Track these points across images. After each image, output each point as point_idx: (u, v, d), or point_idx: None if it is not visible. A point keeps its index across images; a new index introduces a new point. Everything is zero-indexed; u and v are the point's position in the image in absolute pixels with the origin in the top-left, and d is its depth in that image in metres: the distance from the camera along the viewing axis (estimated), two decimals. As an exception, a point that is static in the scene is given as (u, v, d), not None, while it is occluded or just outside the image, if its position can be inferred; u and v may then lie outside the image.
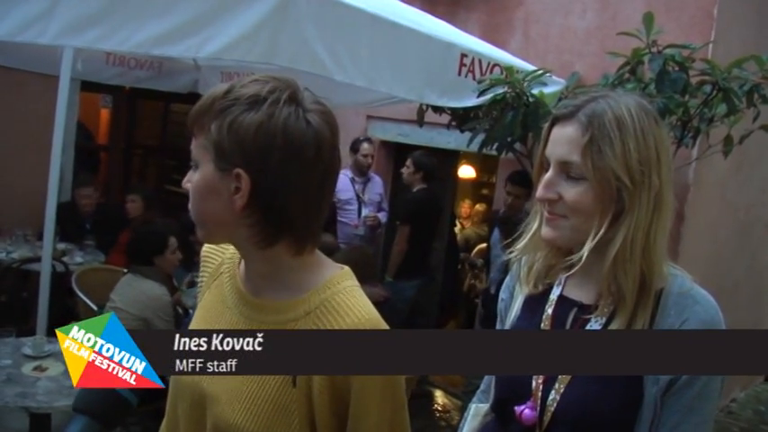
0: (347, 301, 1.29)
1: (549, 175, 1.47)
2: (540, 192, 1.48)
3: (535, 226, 1.56)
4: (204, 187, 1.27)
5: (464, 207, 8.90)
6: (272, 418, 1.27)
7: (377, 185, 6.47)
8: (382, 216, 6.46)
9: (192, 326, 1.47)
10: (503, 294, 1.72)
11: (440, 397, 6.31)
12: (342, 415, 1.28)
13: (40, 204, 3.92)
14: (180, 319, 4.47)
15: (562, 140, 1.46)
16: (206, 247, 1.54)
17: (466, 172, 8.41)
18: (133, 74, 6.25)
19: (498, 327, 1.71)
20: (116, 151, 8.36)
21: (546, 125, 1.53)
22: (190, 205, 1.31)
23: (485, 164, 8.35)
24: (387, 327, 1.29)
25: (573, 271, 1.46)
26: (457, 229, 7.89)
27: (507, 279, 1.72)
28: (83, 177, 6.55)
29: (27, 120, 6.27)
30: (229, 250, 1.48)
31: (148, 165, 9.29)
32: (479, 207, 8.79)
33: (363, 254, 5.17)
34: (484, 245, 6.63)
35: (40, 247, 4.26)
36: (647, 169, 1.40)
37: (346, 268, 1.39)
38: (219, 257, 1.50)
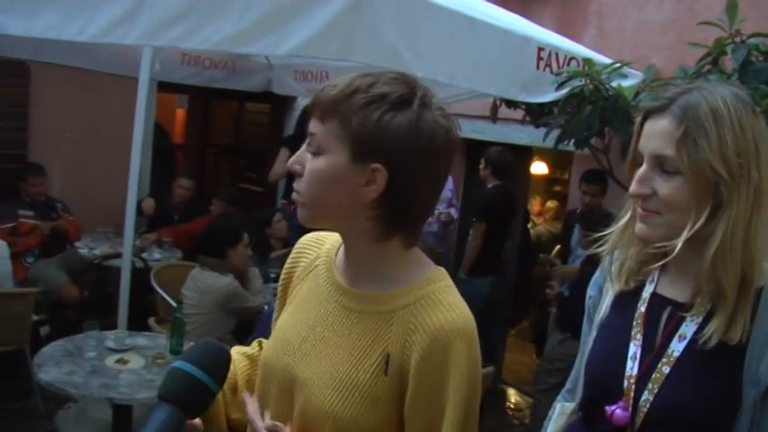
0: (447, 297, 1.32)
1: (642, 169, 1.43)
2: (633, 187, 1.44)
3: (625, 220, 1.52)
4: (331, 175, 1.28)
5: (535, 204, 8.78)
6: (361, 405, 1.29)
7: (448, 182, 6.43)
8: (453, 212, 6.44)
9: (285, 317, 1.50)
10: (591, 291, 1.68)
11: (512, 395, 6.26)
12: (427, 410, 1.29)
13: (119, 202, 4.02)
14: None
15: (655, 134, 1.42)
16: (303, 241, 1.57)
17: (538, 168, 8.29)
18: (208, 74, 6.36)
19: (586, 323, 1.67)
20: (191, 150, 8.52)
21: (638, 119, 1.49)
22: (302, 186, 1.32)
23: (558, 160, 8.21)
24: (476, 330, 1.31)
25: (666, 260, 1.42)
26: (529, 225, 7.79)
27: (596, 275, 1.67)
28: (184, 170, 6.74)
29: (105, 120, 6.44)
30: (326, 245, 1.52)
31: (222, 163, 9.43)
32: (551, 204, 8.66)
33: (432, 253, 5.16)
34: (559, 246, 6.53)
35: (121, 244, 4.36)
36: (746, 162, 1.35)
37: (442, 269, 1.40)
38: (316, 251, 1.52)
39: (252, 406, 1.43)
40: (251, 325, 4.23)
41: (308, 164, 1.31)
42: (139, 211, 5.25)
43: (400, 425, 1.32)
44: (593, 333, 1.60)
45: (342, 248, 1.46)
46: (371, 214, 1.30)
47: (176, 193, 6.55)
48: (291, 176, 1.43)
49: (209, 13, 2.86)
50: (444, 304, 1.30)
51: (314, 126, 1.30)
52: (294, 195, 1.35)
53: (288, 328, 1.45)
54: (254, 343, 1.66)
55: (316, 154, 1.30)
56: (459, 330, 1.27)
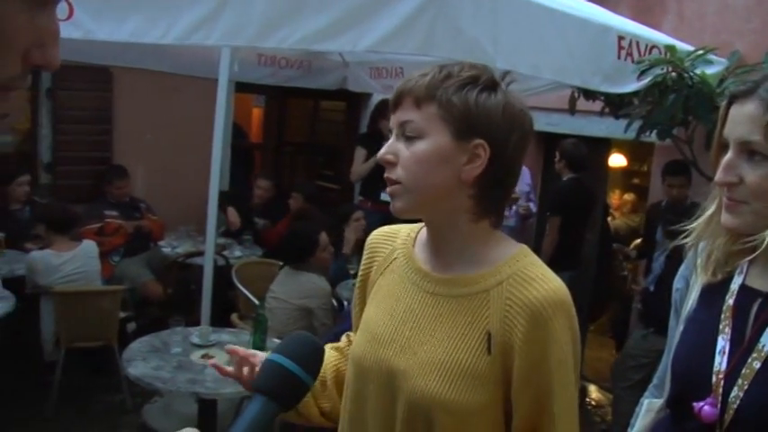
0: (538, 271, 1.35)
1: (728, 157, 1.38)
2: (719, 175, 1.39)
3: (711, 210, 1.48)
4: (435, 155, 1.33)
5: (614, 197, 8.61)
6: (467, 387, 1.31)
7: (525, 176, 6.39)
8: (531, 207, 6.39)
9: (371, 312, 1.51)
10: (677, 284, 1.63)
11: (593, 392, 6.16)
12: (535, 385, 1.31)
13: (200, 201, 4.12)
14: (335, 311, 4.57)
15: (742, 119, 1.37)
16: (374, 239, 1.59)
17: (616, 160, 8.13)
18: (283, 73, 6.41)
19: (673, 317, 1.63)
20: (268, 149, 8.65)
21: (723, 104, 1.44)
22: (404, 175, 1.34)
23: (636, 152, 8.04)
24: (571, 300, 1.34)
25: (755, 254, 1.37)
26: (609, 219, 7.64)
27: (682, 268, 1.63)
28: (262, 170, 6.86)
29: (185, 121, 6.61)
30: (399, 238, 1.54)
31: (298, 161, 9.55)
32: (628, 197, 8.49)
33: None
34: (639, 240, 6.39)
35: (202, 242, 4.46)
36: None
37: (525, 246, 1.43)
38: (390, 245, 1.54)
39: None
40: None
41: (406, 151, 1.34)
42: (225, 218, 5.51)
43: (506, 404, 1.34)
44: (681, 327, 1.56)
45: (421, 238, 1.49)
46: (472, 192, 1.34)
47: (256, 194, 6.66)
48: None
49: (287, 13, 2.89)
50: (538, 279, 1.33)
51: (407, 114, 1.34)
52: (390, 188, 1.37)
53: (376, 323, 1.47)
54: (343, 337, 1.69)
55: (414, 139, 1.34)
56: (557, 303, 1.30)
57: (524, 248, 1.41)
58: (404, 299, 1.44)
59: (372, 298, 1.53)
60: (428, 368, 1.34)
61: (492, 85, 1.33)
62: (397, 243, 1.53)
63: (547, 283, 1.32)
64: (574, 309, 1.33)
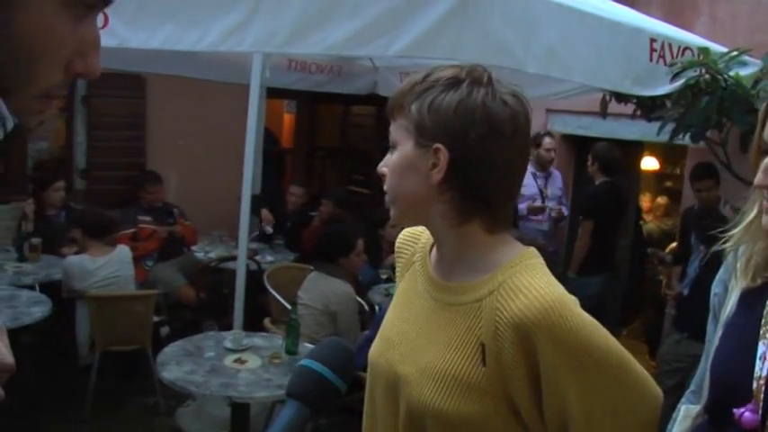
0: (525, 280, 1.28)
1: None
2: (759, 178, 1.37)
3: (752, 214, 1.45)
4: (403, 164, 1.35)
5: (645, 201, 8.53)
6: (462, 397, 1.29)
7: (557, 180, 6.38)
8: (564, 210, 6.37)
9: (388, 315, 1.53)
10: (716, 288, 1.61)
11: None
12: (548, 395, 1.26)
13: (233, 206, 4.15)
14: (366, 316, 4.58)
15: None
16: (399, 240, 1.61)
17: (649, 163, 8.04)
18: (314, 78, 6.45)
19: (711, 323, 1.60)
20: (299, 154, 8.69)
21: (763, 105, 1.41)
22: (386, 185, 1.39)
23: (669, 155, 7.95)
24: (569, 303, 1.27)
25: None
26: (641, 223, 7.56)
27: (721, 272, 1.60)
28: (294, 175, 6.92)
29: (216, 127, 6.68)
30: (421, 240, 1.54)
31: (329, 166, 9.58)
32: (661, 200, 8.39)
33: (539, 251, 5.09)
34: (674, 244, 6.32)
35: (235, 247, 4.48)
36: None
37: (532, 247, 1.39)
38: (412, 249, 1.55)
39: None
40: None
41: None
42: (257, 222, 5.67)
43: (515, 414, 1.30)
44: (720, 332, 1.53)
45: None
46: (444, 197, 1.33)
47: (289, 200, 6.69)
48: None
49: (318, 19, 2.91)
50: (523, 289, 1.27)
51: (390, 126, 1.39)
52: (386, 197, 1.41)
53: (390, 327, 1.48)
54: None
55: (392, 150, 1.38)
56: (541, 314, 1.23)
57: (526, 252, 1.36)
58: (413, 304, 1.45)
59: (393, 301, 1.56)
60: (425, 376, 1.33)
61: (452, 84, 1.30)
62: (417, 246, 1.54)
63: (531, 293, 1.25)
64: (565, 311, 1.25)
